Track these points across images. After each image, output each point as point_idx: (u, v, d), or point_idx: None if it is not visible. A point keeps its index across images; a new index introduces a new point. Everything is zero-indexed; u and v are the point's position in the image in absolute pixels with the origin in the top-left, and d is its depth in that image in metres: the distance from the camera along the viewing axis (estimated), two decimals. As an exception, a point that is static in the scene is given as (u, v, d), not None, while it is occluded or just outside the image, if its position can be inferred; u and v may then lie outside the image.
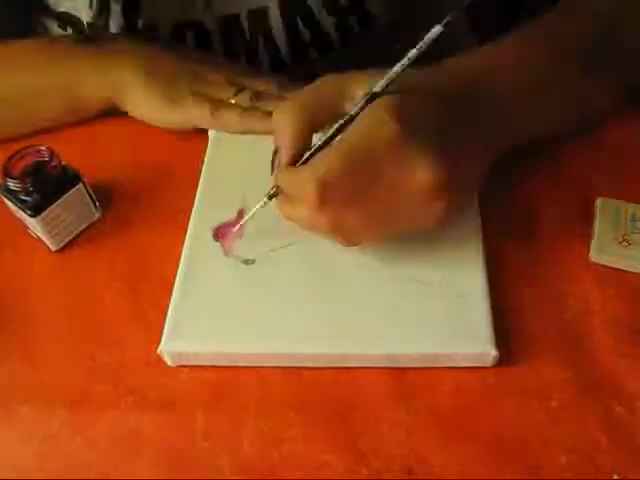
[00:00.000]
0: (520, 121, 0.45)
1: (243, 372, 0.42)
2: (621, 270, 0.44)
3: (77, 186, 0.49)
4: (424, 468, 0.37)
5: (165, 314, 0.43)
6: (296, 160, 0.41)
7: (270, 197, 0.43)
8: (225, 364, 0.42)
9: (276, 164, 0.42)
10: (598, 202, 0.46)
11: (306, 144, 0.40)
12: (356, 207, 0.38)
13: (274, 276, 0.44)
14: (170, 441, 0.40)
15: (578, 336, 0.41)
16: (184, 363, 0.43)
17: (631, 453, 0.37)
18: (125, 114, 0.56)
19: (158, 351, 0.42)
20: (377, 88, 0.38)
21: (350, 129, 0.38)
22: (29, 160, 0.48)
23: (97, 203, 0.51)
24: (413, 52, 0.38)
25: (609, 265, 0.44)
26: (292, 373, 0.42)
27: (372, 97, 0.38)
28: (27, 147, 0.48)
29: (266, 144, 0.52)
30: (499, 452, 0.38)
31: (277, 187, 0.42)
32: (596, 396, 0.39)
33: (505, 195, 0.48)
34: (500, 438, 0.38)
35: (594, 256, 0.44)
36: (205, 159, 0.52)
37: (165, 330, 0.42)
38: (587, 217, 0.46)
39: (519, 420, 0.39)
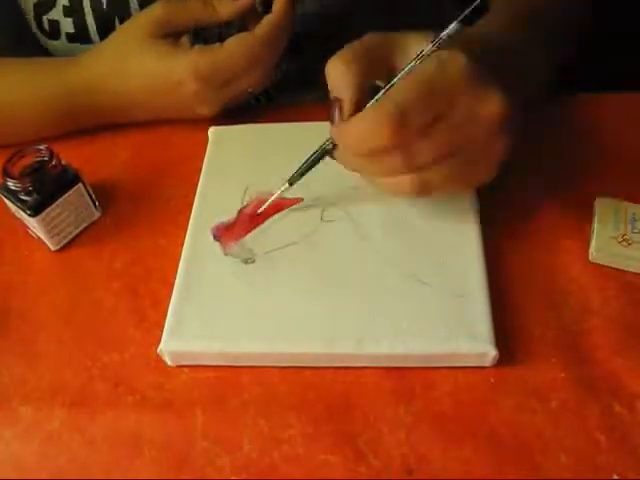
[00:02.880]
0: (541, 71, 0.49)
1: (243, 372, 0.42)
2: (621, 270, 0.44)
3: (77, 186, 0.49)
4: (424, 468, 0.37)
5: (165, 314, 0.43)
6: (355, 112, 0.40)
7: (290, 182, 0.44)
8: (225, 364, 0.42)
9: (336, 117, 0.41)
10: (597, 202, 0.46)
11: (364, 96, 0.40)
12: (431, 137, 0.38)
13: (274, 276, 0.44)
14: (170, 441, 0.40)
15: (578, 336, 0.41)
16: (184, 363, 0.43)
17: (631, 453, 0.37)
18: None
19: (158, 351, 0.42)
20: (433, 46, 0.39)
21: (419, 67, 0.38)
22: (29, 160, 0.48)
23: (97, 203, 0.51)
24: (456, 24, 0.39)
25: (609, 265, 0.44)
26: (292, 373, 0.42)
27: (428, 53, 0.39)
28: (27, 147, 0.48)
29: (266, 144, 0.53)
30: (499, 452, 0.38)
31: (332, 141, 0.42)
32: (596, 396, 0.39)
33: (505, 195, 0.48)
34: (500, 438, 0.38)
35: (594, 256, 0.44)
36: (205, 159, 0.53)
37: (165, 330, 0.42)
38: (587, 217, 0.46)
39: (519, 420, 0.39)
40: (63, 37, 0.60)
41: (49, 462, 0.40)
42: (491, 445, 0.38)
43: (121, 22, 0.57)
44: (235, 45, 0.50)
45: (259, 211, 0.46)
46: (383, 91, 0.40)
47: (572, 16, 0.55)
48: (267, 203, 0.46)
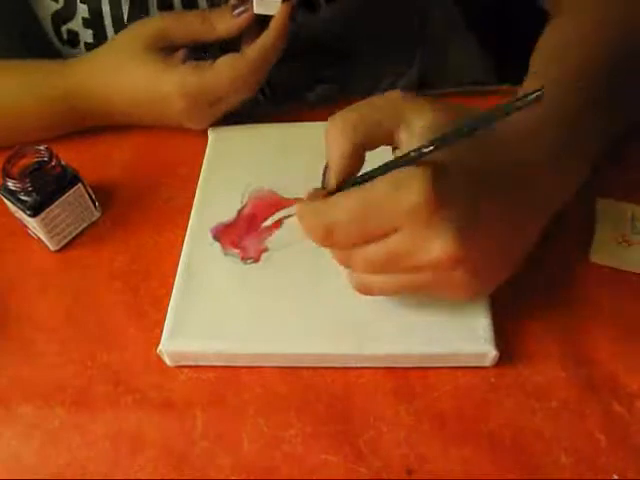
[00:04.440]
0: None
1: (243, 372, 0.42)
2: (621, 270, 0.44)
3: (76, 186, 0.49)
4: (424, 468, 0.37)
5: (165, 314, 0.43)
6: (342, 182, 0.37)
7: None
8: (225, 364, 0.42)
9: (324, 180, 0.39)
10: (598, 203, 0.46)
11: (359, 164, 0.37)
12: (365, 252, 0.36)
13: (274, 276, 0.44)
14: (170, 441, 0.40)
15: (578, 336, 0.41)
16: (183, 363, 0.43)
17: (631, 453, 0.37)
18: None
19: (157, 351, 0.42)
20: (427, 149, 0.34)
21: (372, 183, 0.35)
22: (28, 160, 0.48)
23: (97, 203, 0.51)
24: (473, 122, 0.33)
25: (609, 265, 0.44)
26: (292, 373, 0.42)
27: (420, 155, 0.34)
28: (26, 147, 0.48)
29: (266, 144, 0.53)
30: (499, 452, 0.38)
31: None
32: (596, 396, 0.39)
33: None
34: (500, 438, 0.38)
35: (594, 256, 0.44)
36: (205, 159, 0.53)
37: (164, 330, 0.42)
38: (587, 217, 0.46)
39: (519, 420, 0.39)
40: (82, 46, 0.60)
41: (49, 462, 0.40)
42: (491, 445, 0.38)
43: None
44: (224, 66, 0.50)
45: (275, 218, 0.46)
46: (363, 176, 0.36)
47: None
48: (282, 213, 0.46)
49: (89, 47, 0.59)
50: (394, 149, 0.37)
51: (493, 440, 0.38)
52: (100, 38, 0.58)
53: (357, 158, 0.37)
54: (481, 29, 0.75)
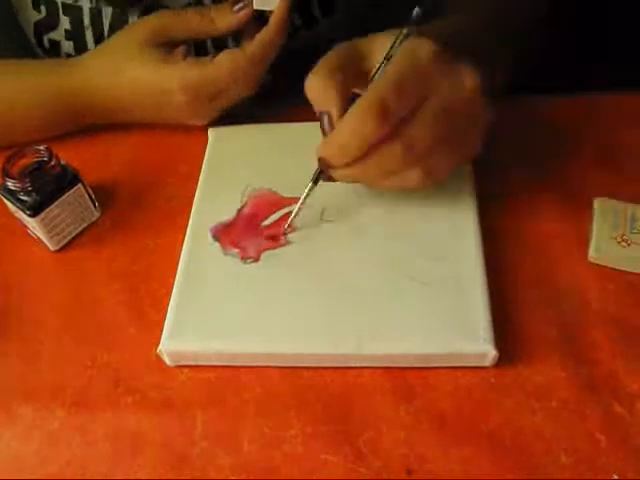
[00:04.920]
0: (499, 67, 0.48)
1: (243, 372, 0.42)
2: (620, 270, 0.44)
3: (76, 186, 0.49)
4: (424, 468, 0.37)
5: (165, 314, 0.43)
6: None
7: (315, 181, 0.44)
8: (225, 364, 0.42)
9: (326, 128, 0.42)
10: (597, 202, 0.46)
11: (347, 105, 0.40)
12: (423, 121, 0.39)
13: (274, 276, 0.44)
14: (170, 441, 0.40)
15: (578, 336, 0.41)
16: (183, 363, 0.43)
17: (631, 453, 0.37)
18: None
19: (157, 351, 0.42)
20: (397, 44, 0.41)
21: (392, 60, 0.40)
22: (28, 160, 0.48)
23: (97, 203, 0.51)
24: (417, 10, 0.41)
25: (608, 265, 0.44)
26: (292, 373, 0.42)
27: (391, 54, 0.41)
28: (26, 147, 0.48)
29: (266, 144, 0.53)
30: (499, 452, 0.38)
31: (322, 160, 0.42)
32: (596, 396, 0.39)
33: (505, 196, 0.48)
34: (500, 438, 0.38)
35: (593, 256, 0.44)
36: (205, 159, 0.53)
37: (164, 330, 0.42)
38: (586, 217, 0.46)
39: (519, 420, 0.39)
40: (63, 56, 0.60)
41: (49, 462, 0.40)
42: (491, 445, 0.38)
43: None
44: (224, 61, 0.51)
45: (293, 214, 0.46)
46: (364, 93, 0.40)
47: (530, 17, 0.56)
48: (298, 205, 0.46)
49: (69, 57, 0.59)
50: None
51: (493, 440, 0.38)
52: (81, 50, 0.58)
53: (346, 98, 0.41)
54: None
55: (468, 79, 0.40)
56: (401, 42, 0.41)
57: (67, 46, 0.59)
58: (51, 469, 0.40)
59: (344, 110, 0.40)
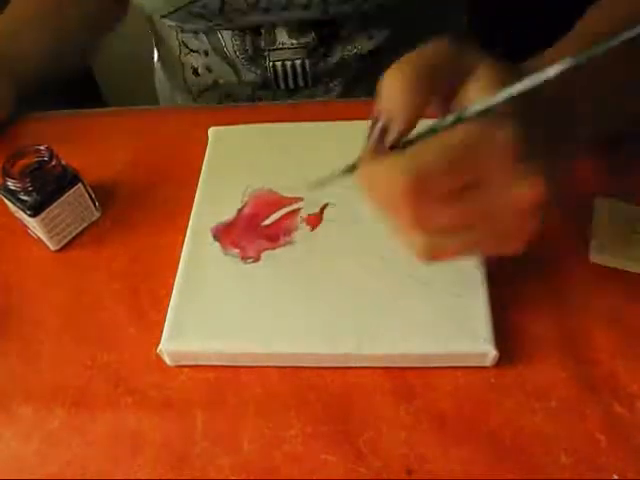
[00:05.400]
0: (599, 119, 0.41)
1: (243, 372, 0.42)
2: (621, 270, 0.44)
3: (77, 186, 0.49)
4: (424, 468, 0.37)
5: (165, 314, 0.43)
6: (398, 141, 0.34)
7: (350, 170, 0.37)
8: (225, 364, 0.42)
9: (374, 138, 0.35)
10: (597, 202, 0.46)
11: (418, 120, 0.34)
12: (450, 206, 0.33)
13: (274, 276, 0.44)
14: (170, 441, 0.40)
15: (578, 336, 0.41)
16: (183, 363, 0.43)
17: (631, 453, 0.37)
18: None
19: (157, 351, 0.42)
20: (492, 102, 0.32)
21: (459, 127, 0.32)
22: (29, 160, 0.48)
23: (97, 203, 0.51)
24: (526, 83, 0.31)
25: (608, 265, 0.44)
26: (292, 373, 0.42)
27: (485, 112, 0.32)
28: (27, 147, 0.48)
29: (266, 144, 0.53)
30: (499, 452, 0.38)
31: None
32: (596, 396, 0.39)
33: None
34: (500, 438, 0.38)
35: (594, 256, 0.44)
36: (205, 159, 0.53)
37: (164, 330, 0.42)
38: (587, 217, 0.46)
39: (519, 420, 0.39)
40: None
41: (49, 462, 0.40)
42: (491, 445, 0.38)
43: None
44: None
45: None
46: (423, 132, 0.34)
47: None
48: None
49: None
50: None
51: (493, 440, 0.38)
52: None
53: (420, 115, 0.34)
54: (484, 29, 0.75)
55: (528, 191, 0.33)
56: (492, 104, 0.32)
57: None
58: (51, 469, 0.40)
59: (410, 126, 0.34)
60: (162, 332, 0.42)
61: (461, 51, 0.34)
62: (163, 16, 0.63)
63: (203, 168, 0.52)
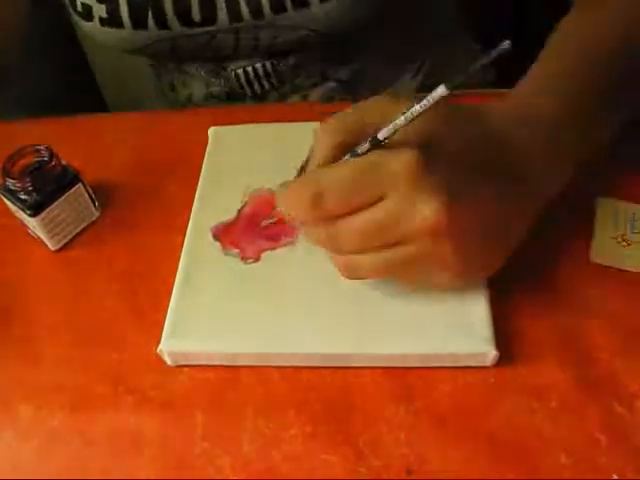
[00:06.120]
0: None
1: (243, 372, 0.42)
2: (621, 270, 0.44)
3: (77, 186, 0.49)
4: (424, 468, 0.37)
5: (165, 314, 0.43)
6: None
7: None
8: (225, 364, 0.42)
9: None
10: (597, 202, 0.46)
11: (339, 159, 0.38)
12: (354, 225, 0.36)
13: (274, 276, 0.44)
14: (170, 441, 0.40)
15: (578, 336, 0.41)
16: (183, 363, 0.43)
17: (631, 453, 0.37)
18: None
19: (157, 351, 0.42)
20: (381, 135, 0.36)
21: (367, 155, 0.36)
22: (29, 160, 0.48)
23: (97, 203, 0.51)
24: (416, 108, 0.34)
25: (608, 265, 0.44)
26: (292, 373, 0.42)
27: (376, 144, 0.36)
28: (27, 147, 0.48)
29: (266, 144, 0.53)
30: (499, 452, 0.38)
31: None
32: (596, 396, 0.39)
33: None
34: (500, 438, 0.38)
35: (594, 256, 0.44)
36: (205, 159, 0.53)
37: (164, 330, 0.42)
38: (587, 217, 0.46)
39: (519, 420, 0.39)
40: (96, 20, 0.60)
41: (49, 462, 0.40)
42: (491, 445, 0.38)
43: (154, 12, 0.58)
44: None
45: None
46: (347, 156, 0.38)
47: None
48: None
49: (102, 22, 0.59)
50: None
51: (493, 440, 0.38)
52: (113, 15, 0.58)
53: (339, 153, 0.38)
54: (481, 29, 0.75)
55: (425, 214, 0.34)
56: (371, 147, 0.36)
57: (99, 10, 0.59)
58: (51, 469, 0.40)
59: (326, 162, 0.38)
60: (162, 332, 0.42)
61: (392, 101, 0.37)
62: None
63: (203, 168, 0.52)
